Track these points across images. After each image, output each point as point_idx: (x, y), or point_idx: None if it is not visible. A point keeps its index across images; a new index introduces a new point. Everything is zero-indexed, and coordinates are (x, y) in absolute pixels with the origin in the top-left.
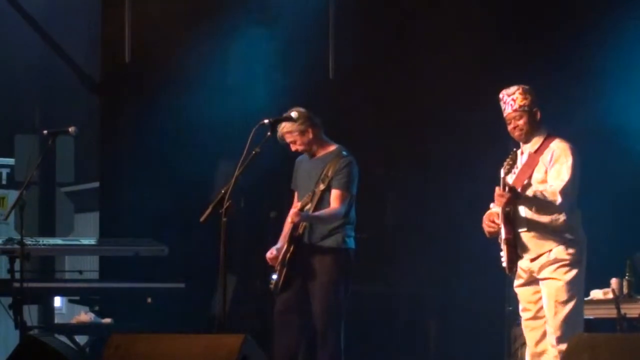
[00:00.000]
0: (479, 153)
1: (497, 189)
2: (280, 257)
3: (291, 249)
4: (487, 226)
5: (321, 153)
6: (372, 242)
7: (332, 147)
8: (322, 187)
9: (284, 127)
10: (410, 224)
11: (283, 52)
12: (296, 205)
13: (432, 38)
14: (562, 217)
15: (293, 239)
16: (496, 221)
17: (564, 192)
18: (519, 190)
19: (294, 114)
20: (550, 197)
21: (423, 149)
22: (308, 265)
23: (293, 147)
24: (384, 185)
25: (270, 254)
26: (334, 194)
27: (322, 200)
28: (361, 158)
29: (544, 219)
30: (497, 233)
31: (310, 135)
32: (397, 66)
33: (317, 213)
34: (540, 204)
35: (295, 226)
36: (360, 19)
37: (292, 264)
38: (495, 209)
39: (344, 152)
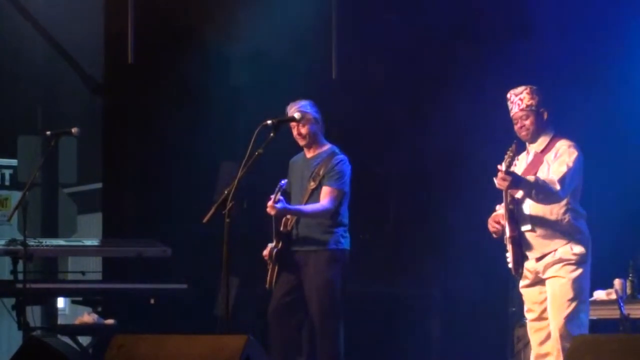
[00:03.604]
0: (481, 152)
1: (499, 172)
2: (268, 253)
3: (279, 245)
4: (492, 227)
5: (315, 152)
6: (373, 243)
7: (326, 147)
8: (312, 184)
9: (304, 105)
10: (411, 224)
11: (286, 52)
12: (271, 198)
13: (433, 37)
14: (567, 217)
15: (281, 235)
16: (501, 222)
17: (562, 180)
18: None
19: (297, 115)
20: (549, 184)
21: (425, 149)
22: (304, 267)
23: (295, 130)
24: (385, 185)
25: (267, 250)
26: (324, 190)
27: (312, 197)
28: (363, 158)
29: (549, 217)
30: (502, 232)
31: (318, 127)
32: (399, 66)
33: (298, 206)
34: (539, 189)
35: (283, 222)
36: (364, 19)
37: (281, 260)
38: (501, 210)
39: (337, 151)
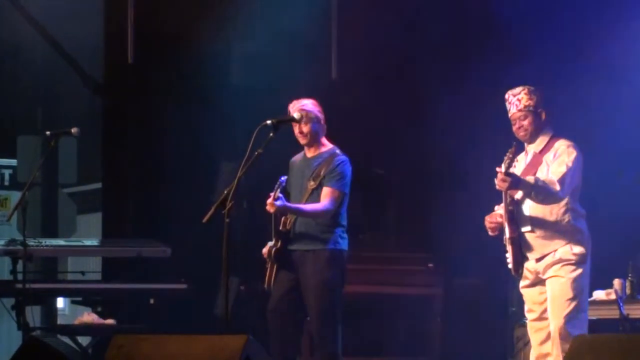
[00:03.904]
0: (482, 152)
1: (499, 173)
2: (267, 252)
3: (278, 244)
4: (488, 223)
5: (316, 151)
6: (373, 243)
7: (327, 147)
8: (312, 184)
9: (306, 104)
10: (411, 224)
11: (286, 52)
12: (270, 195)
13: (434, 38)
14: (567, 217)
15: (280, 234)
16: (498, 219)
17: (561, 180)
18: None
19: (296, 115)
20: (549, 185)
21: (425, 148)
22: (302, 266)
23: (297, 129)
24: (385, 186)
25: (266, 248)
26: (325, 191)
27: (312, 197)
28: (362, 158)
29: (548, 217)
30: (498, 229)
31: (320, 126)
32: (399, 66)
33: (297, 205)
34: (539, 189)
35: (282, 221)
36: (363, 18)
37: (280, 259)
38: (499, 211)
39: (338, 152)
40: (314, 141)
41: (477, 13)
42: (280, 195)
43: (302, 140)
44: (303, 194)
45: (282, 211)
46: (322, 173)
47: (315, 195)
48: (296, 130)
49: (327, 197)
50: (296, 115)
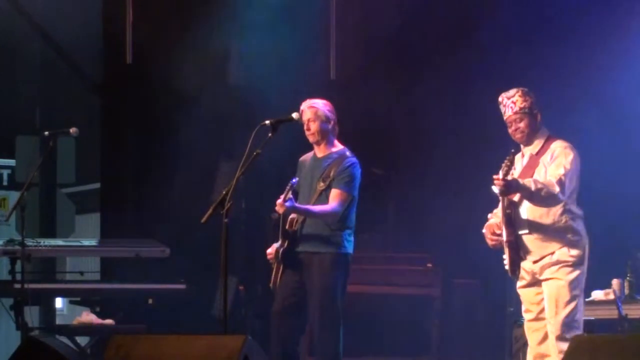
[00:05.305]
0: (482, 153)
1: (496, 180)
2: (274, 253)
3: (285, 244)
4: (490, 240)
5: (325, 152)
6: (372, 242)
7: (338, 148)
8: (322, 185)
9: (316, 103)
10: (409, 224)
11: (284, 52)
12: (281, 197)
13: (433, 37)
14: (564, 218)
15: (287, 234)
16: (497, 232)
17: (560, 182)
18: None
19: (295, 115)
20: (548, 187)
21: (424, 149)
22: (307, 268)
23: (306, 127)
24: (384, 186)
25: (271, 249)
26: (333, 192)
27: (321, 198)
28: (362, 158)
29: (546, 219)
30: (500, 244)
31: (329, 126)
32: (398, 66)
33: (306, 205)
34: (538, 193)
35: (289, 222)
36: (362, 19)
37: (286, 260)
38: (494, 219)
39: (348, 154)
40: (323, 140)
41: (477, 11)
42: (291, 196)
43: (311, 139)
44: (312, 195)
45: (291, 212)
46: (331, 174)
47: (323, 197)
48: (305, 127)
49: (336, 199)
50: (294, 115)
